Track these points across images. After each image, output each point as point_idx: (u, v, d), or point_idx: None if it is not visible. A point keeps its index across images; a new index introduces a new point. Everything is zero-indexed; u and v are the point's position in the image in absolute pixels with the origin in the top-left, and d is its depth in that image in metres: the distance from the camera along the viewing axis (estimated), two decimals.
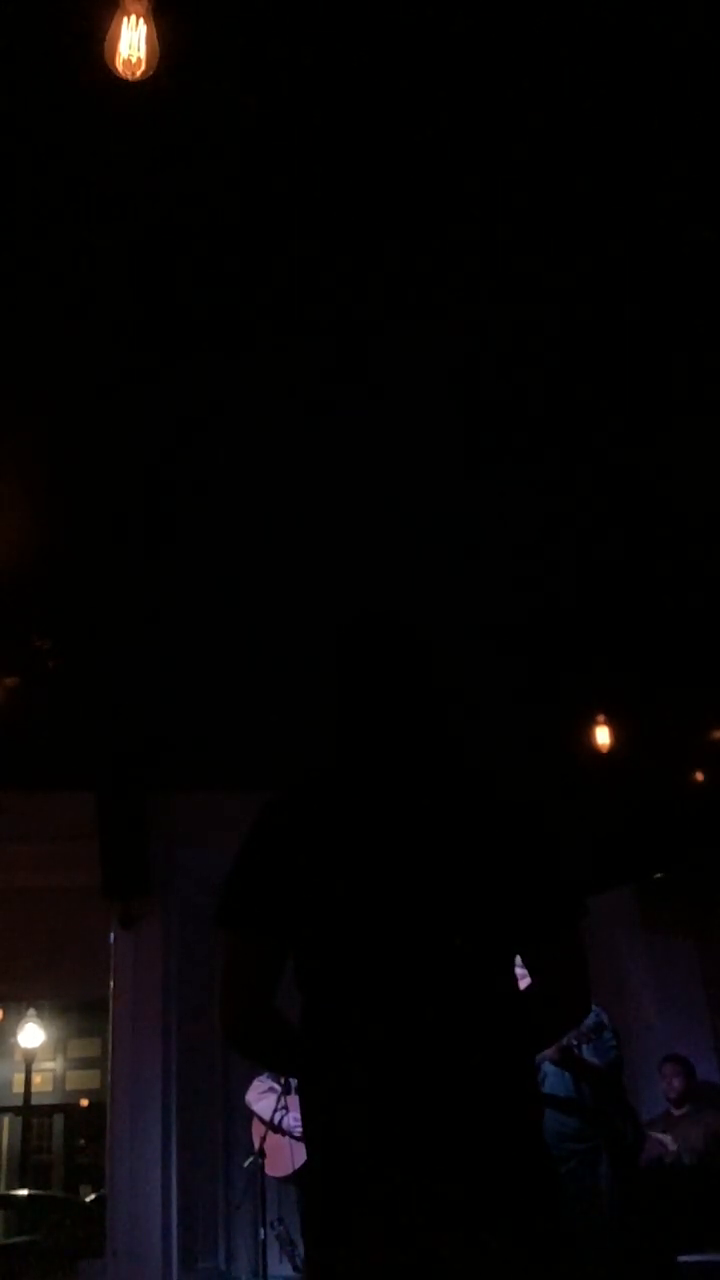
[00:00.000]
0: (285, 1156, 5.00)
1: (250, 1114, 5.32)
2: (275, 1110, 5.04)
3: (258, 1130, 5.23)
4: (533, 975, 1.66)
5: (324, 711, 1.81)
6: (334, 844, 1.63)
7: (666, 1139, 5.54)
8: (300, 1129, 4.72)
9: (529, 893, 1.62)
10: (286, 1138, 4.96)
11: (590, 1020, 4.40)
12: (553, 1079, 4.47)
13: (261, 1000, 1.64)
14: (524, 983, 1.67)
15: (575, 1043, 4.32)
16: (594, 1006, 4.33)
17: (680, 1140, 5.66)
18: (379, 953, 1.55)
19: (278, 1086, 5.12)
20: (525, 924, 1.62)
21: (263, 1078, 5.28)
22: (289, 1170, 5.00)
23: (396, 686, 1.74)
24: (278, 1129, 5.03)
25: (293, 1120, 4.89)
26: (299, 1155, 4.86)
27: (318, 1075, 1.57)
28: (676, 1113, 5.93)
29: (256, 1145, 5.23)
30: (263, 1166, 5.24)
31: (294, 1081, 4.92)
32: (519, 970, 1.64)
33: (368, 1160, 1.44)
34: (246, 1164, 5.62)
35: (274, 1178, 5.19)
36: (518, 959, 1.66)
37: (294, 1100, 4.94)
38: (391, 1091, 1.47)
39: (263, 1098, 5.20)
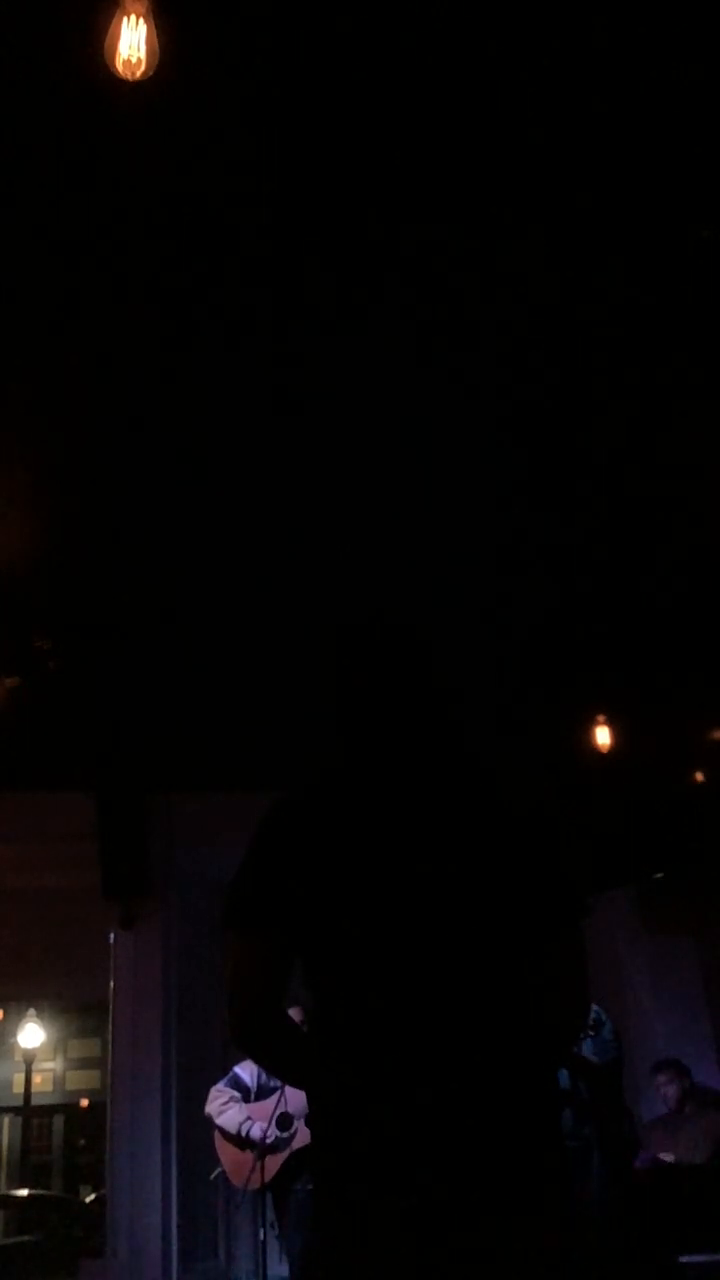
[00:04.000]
0: (253, 1170, 4.68)
1: (213, 1127, 4.96)
2: (242, 1123, 4.79)
3: (221, 1145, 4.94)
4: (531, 975, 1.65)
5: (325, 712, 1.81)
6: (341, 844, 1.63)
7: (667, 1157, 5.53)
8: (270, 1138, 4.69)
9: (530, 890, 1.62)
10: (253, 1151, 4.71)
11: (589, 1015, 4.40)
12: None
13: (270, 1002, 1.62)
14: None
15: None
16: (592, 1005, 4.34)
17: (681, 1141, 5.65)
18: (392, 951, 1.55)
19: (237, 1094, 4.92)
20: (526, 922, 1.62)
21: (220, 1086, 5.01)
22: (258, 1184, 4.72)
23: (398, 687, 1.74)
24: (246, 1142, 4.77)
25: (258, 1130, 4.69)
26: (270, 1167, 4.73)
27: (333, 1075, 1.57)
28: (677, 1115, 5.92)
29: (221, 1159, 4.97)
30: (229, 1179, 5.02)
31: (254, 1088, 4.91)
32: None
33: (385, 1159, 1.44)
34: (213, 1176, 5.58)
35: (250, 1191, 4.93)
36: None
37: (259, 1108, 4.84)
38: (409, 1090, 1.47)
39: (225, 1109, 4.90)
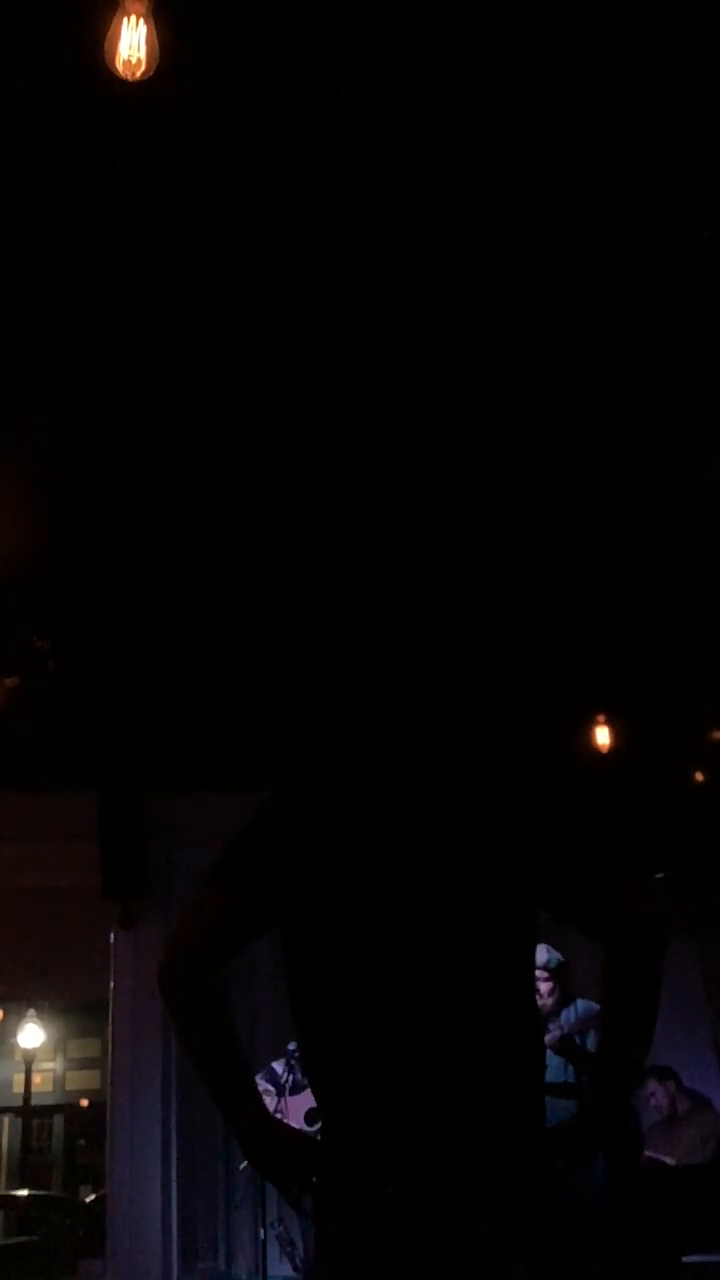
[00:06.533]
0: None
1: None
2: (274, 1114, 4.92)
3: None
4: (589, 936, 1.65)
5: (325, 716, 1.84)
6: (330, 839, 1.65)
7: (664, 1157, 5.53)
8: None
9: (542, 860, 1.63)
10: None
11: (583, 1008, 4.39)
12: (552, 1068, 4.44)
13: (213, 951, 1.59)
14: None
15: (576, 1031, 4.30)
16: (590, 1001, 4.33)
17: (679, 1143, 5.65)
18: (380, 944, 1.56)
19: (272, 1088, 4.98)
20: (548, 890, 1.63)
21: (258, 1078, 5.09)
22: None
23: (399, 695, 1.78)
24: None
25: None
26: None
27: (325, 1075, 1.58)
28: (672, 1118, 5.91)
29: None
30: None
31: (288, 1084, 4.92)
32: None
33: (378, 1156, 1.46)
34: (243, 1165, 5.60)
35: None
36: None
37: (292, 1102, 4.86)
38: (400, 1087, 1.49)
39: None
